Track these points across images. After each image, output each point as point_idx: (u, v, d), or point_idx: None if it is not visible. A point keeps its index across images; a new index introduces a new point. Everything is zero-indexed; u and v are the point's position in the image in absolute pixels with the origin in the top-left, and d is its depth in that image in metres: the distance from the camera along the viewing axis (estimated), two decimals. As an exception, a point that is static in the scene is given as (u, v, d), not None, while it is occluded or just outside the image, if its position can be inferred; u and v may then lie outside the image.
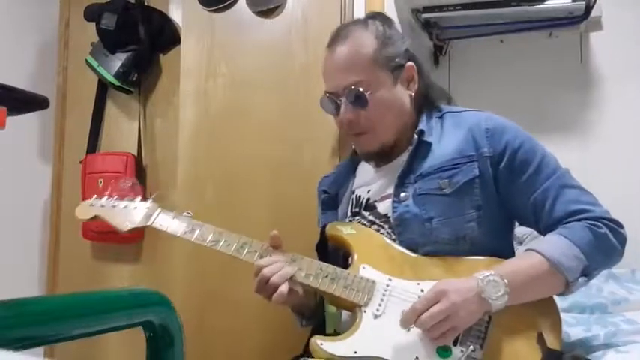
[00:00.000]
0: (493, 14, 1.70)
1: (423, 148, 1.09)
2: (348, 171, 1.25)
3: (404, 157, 1.11)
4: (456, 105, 1.22)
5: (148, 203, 1.12)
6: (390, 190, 1.10)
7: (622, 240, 1.01)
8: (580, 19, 1.69)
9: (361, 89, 1.06)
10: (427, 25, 1.85)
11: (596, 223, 0.99)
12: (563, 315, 1.01)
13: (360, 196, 1.17)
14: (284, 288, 1.00)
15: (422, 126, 1.11)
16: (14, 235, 1.98)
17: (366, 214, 1.14)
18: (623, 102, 1.84)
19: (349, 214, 1.18)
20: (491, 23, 1.78)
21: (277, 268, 1.01)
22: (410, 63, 1.12)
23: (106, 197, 1.13)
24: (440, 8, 1.73)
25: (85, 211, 1.13)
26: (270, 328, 1.48)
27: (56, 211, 2.08)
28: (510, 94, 1.92)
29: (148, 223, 1.09)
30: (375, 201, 1.13)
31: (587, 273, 0.98)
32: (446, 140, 1.09)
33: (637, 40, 1.84)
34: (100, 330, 1.03)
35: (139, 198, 1.13)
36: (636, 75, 1.83)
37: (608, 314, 1.33)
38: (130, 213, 1.11)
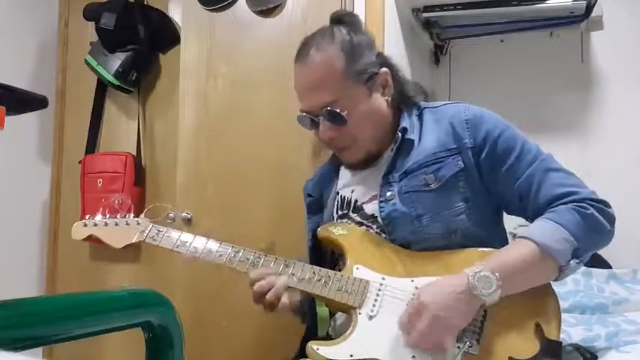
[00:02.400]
0: (494, 13, 1.70)
1: (405, 146, 1.09)
2: (332, 172, 1.24)
3: (386, 156, 1.11)
4: (434, 99, 1.22)
5: (140, 219, 1.14)
6: (375, 191, 1.09)
7: (610, 219, 0.99)
8: (581, 18, 1.69)
9: (337, 109, 1.04)
10: (428, 25, 1.85)
11: (582, 204, 0.97)
12: (564, 316, 1.01)
13: (344, 197, 1.17)
14: (284, 299, 1.01)
15: (404, 123, 1.10)
16: (13, 236, 1.98)
17: (354, 215, 1.13)
18: (624, 101, 1.84)
19: (335, 215, 1.18)
20: (491, 22, 1.78)
21: (270, 284, 1.02)
22: (383, 69, 1.09)
23: (99, 215, 1.16)
24: (440, 7, 1.73)
25: (79, 231, 1.16)
26: (269, 328, 1.48)
27: (55, 211, 2.08)
28: (511, 94, 1.92)
29: (141, 239, 1.12)
30: (363, 202, 1.13)
31: (579, 255, 0.97)
32: (427, 136, 1.09)
33: (638, 40, 1.84)
34: (98, 331, 1.03)
35: (131, 214, 1.16)
36: (637, 74, 1.83)
37: (609, 314, 1.33)
38: (123, 229, 1.14)
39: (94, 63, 1.91)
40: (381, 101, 1.10)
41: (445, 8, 1.72)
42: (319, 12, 1.52)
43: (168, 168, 1.84)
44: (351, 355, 0.93)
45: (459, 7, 1.70)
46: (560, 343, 0.94)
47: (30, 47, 2.08)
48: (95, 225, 1.15)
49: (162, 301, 1.11)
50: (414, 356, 0.91)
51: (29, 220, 2.07)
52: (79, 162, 1.98)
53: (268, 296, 1.01)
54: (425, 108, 1.14)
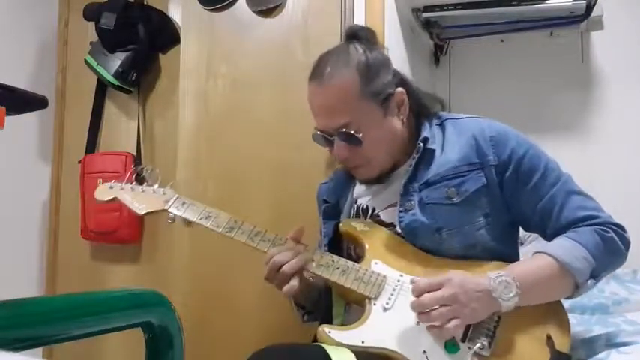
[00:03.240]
0: (494, 13, 1.70)
1: (426, 156, 1.09)
2: (348, 178, 1.24)
3: (405, 167, 1.11)
4: (449, 107, 1.22)
5: (166, 189, 1.16)
6: (393, 200, 1.10)
7: (626, 243, 1.03)
8: (581, 18, 1.69)
9: (352, 131, 1.04)
10: (428, 25, 1.85)
11: (603, 227, 1.01)
12: (564, 316, 1.01)
13: (360, 205, 1.17)
14: (294, 281, 1.01)
15: (426, 133, 1.10)
16: (13, 236, 1.97)
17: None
18: (624, 101, 1.84)
19: None
20: (491, 22, 1.78)
21: (288, 256, 1.02)
22: (399, 89, 1.09)
23: (125, 181, 1.18)
24: (440, 7, 1.73)
25: (104, 192, 1.17)
26: (270, 328, 1.48)
27: (55, 212, 2.08)
28: (511, 94, 1.91)
29: (165, 208, 1.12)
30: (380, 211, 1.13)
31: (595, 275, 0.99)
32: (449, 148, 1.09)
33: (638, 40, 1.84)
34: (98, 331, 1.03)
35: (157, 185, 1.17)
36: (637, 74, 1.83)
37: (609, 315, 1.33)
38: (148, 197, 1.15)
39: (94, 63, 1.91)
40: (396, 122, 1.10)
41: (445, 8, 1.72)
42: (319, 12, 1.52)
43: (168, 168, 1.83)
44: (363, 342, 0.94)
45: (459, 7, 1.70)
46: (570, 356, 0.95)
47: (30, 47, 2.07)
48: (122, 189, 1.17)
49: (162, 302, 1.12)
50: (424, 351, 0.92)
51: (29, 220, 2.06)
52: (79, 162, 1.98)
53: (284, 268, 1.01)
54: (447, 119, 1.14)
